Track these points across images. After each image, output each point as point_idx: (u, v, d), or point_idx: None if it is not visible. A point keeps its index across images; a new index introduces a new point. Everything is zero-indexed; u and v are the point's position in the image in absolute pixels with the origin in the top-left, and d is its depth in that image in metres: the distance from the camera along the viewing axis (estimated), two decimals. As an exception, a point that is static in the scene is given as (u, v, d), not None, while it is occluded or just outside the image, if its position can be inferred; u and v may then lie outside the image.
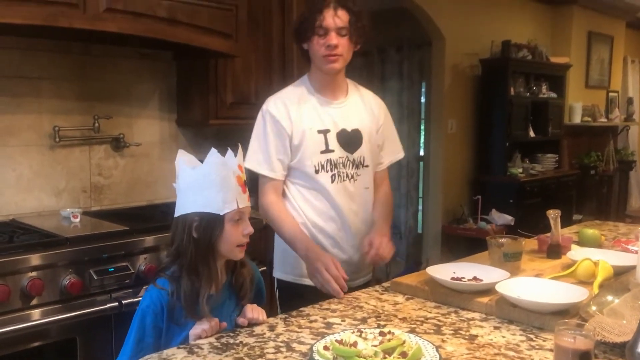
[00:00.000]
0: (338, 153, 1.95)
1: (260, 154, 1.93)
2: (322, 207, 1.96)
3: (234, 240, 1.40)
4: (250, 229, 1.42)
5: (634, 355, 0.87)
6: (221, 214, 1.37)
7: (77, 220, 2.52)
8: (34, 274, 2.04)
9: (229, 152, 1.45)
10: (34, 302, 2.05)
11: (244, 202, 1.41)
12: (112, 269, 2.24)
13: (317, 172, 1.94)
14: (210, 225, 1.37)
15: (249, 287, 1.49)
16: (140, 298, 2.17)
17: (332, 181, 1.95)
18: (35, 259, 2.05)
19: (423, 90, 5.96)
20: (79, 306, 2.14)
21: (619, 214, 6.80)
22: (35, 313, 2.05)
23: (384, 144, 2.10)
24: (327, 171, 1.95)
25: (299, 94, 1.98)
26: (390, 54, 6.07)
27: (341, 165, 1.96)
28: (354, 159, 1.98)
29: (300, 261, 1.89)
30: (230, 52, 2.74)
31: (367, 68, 6.23)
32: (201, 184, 1.38)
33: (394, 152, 2.15)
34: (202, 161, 1.42)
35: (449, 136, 5.39)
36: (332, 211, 1.96)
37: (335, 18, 1.85)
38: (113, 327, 2.22)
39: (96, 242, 2.24)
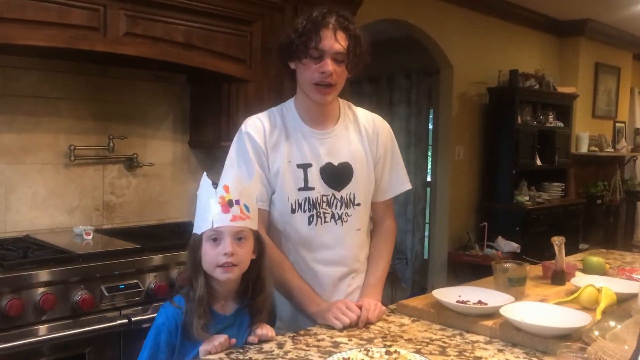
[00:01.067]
0: (320, 191, 1.72)
1: (240, 180, 1.63)
2: (291, 255, 1.75)
3: (212, 259, 1.39)
4: (228, 249, 1.37)
5: (632, 375, 0.90)
6: (198, 233, 1.42)
7: (90, 237, 2.57)
8: (46, 289, 2.09)
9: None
10: (45, 317, 2.09)
11: (222, 221, 1.38)
12: (123, 286, 2.28)
13: (293, 211, 1.72)
14: (194, 245, 1.43)
15: (264, 316, 1.49)
16: (149, 315, 2.25)
17: (310, 222, 1.72)
18: (48, 275, 2.09)
19: (431, 117, 6.02)
20: (89, 322, 2.18)
21: (625, 244, 6.78)
22: (46, 328, 2.09)
23: (386, 175, 1.85)
24: (305, 211, 1.71)
25: (281, 119, 1.75)
26: (398, 81, 6.16)
27: (324, 204, 1.72)
28: (341, 197, 1.74)
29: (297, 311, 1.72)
30: (244, 77, 2.81)
31: (375, 94, 6.33)
32: (197, 206, 1.46)
33: (399, 182, 1.88)
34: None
35: (456, 163, 5.43)
36: (300, 263, 1.75)
37: (333, 41, 1.62)
38: (122, 343, 2.25)
39: (108, 259, 2.28)
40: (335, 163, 1.74)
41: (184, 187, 3.18)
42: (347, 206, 1.75)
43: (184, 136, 3.19)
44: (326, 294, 1.73)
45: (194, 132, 3.19)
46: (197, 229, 1.44)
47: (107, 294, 2.23)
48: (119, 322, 2.23)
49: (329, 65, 1.62)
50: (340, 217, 1.74)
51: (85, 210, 2.83)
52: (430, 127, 6.02)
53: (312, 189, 1.71)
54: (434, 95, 5.80)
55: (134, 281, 2.32)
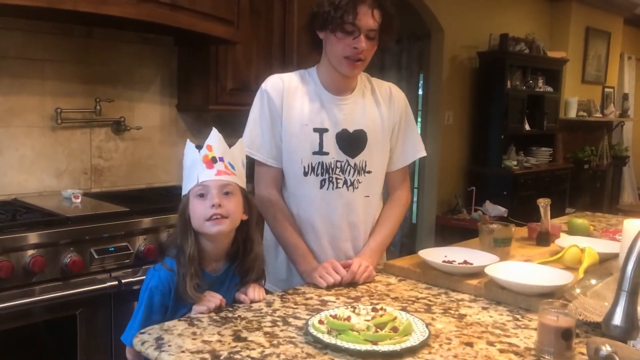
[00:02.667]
0: (335, 156, 1.74)
1: (258, 137, 1.74)
2: (301, 217, 1.78)
3: (201, 214, 1.40)
4: (215, 200, 1.39)
5: (609, 327, 0.93)
6: (185, 192, 1.44)
7: (78, 200, 2.57)
8: (35, 251, 2.09)
9: (212, 131, 1.49)
10: (35, 279, 2.10)
11: (207, 176, 1.41)
12: (112, 249, 2.29)
13: (305, 174, 1.74)
14: (183, 205, 1.45)
15: (254, 275, 1.50)
16: (139, 277, 2.26)
17: (322, 186, 1.75)
18: (37, 237, 2.09)
19: (421, 82, 6.00)
20: (80, 284, 2.19)
21: (611, 208, 6.87)
22: (37, 290, 2.10)
23: (400, 143, 1.85)
24: (317, 175, 1.74)
25: (302, 82, 1.77)
26: (389, 45, 6.11)
27: (338, 170, 1.74)
28: (355, 164, 1.76)
29: (292, 272, 1.78)
30: (231, 39, 2.78)
31: (365, 58, 6.28)
32: (183, 172, 1.48)
33: (414, 150, 1.88)
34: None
35: (445, 128, 5.44)
36: (312, 221, 1.77)
37: (370, 19, 1.63)
38: (112, 305, 2.27)
39: (97, 222, 2.29)
40: (351, 130, 1.76)
41: (172, 150, 3.17)
42: (359, 173, 1.77)
43: (172, 99, 3.16)
44: (327, 255, 1.77)
45: (182, 95, 3.17)
46: (185, 190, 1.46)
47: (96, 257, 2.24)
48: (109, 284, 2.24)
49: (363, 41, 1.64)
50: (352, 184, 1.77)
51: (73, 173, 2.82)
52: (420, 92, 6.01)
53: (327, 153, 1.74)
54: (425, 59, 5.76)
55: (124, 244, 2.33)
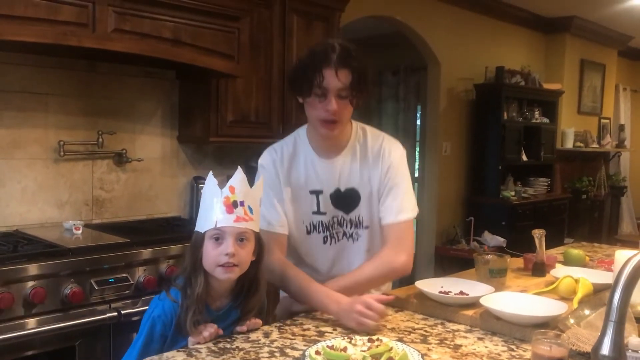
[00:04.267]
0: (332, 214, 1.79)
1: (267, 212, 1.74)
2: (305, 262, 1.83)
3: (213, 259, 1.42)
4: (230, 249, 1.39)
5: (598, 357, 0.95)
6: (201, 231, 1.45)
7: (79, 232, 2.59)
8: (36, 282, 2.11)
9: (237, 172, 1.51)
10: (36, 310, 2.11)
11: (226, 222, 1.41)
12: (112, 280, 2.31)
13: (308, 232, 1.80)
14: (196, 243, 1.46)
15: (254, 314, 1.52)
16: (139, 309, 2.28)
17: (325, 242, 1.81)
18: (37, 268, 2.12)
19: (419, 113, 6.07)
20: (79, 315, 2.20)
21: (610, 238, 6.87)
22: (36, 321, 2.11)
23: (384, 203, 1.79)
24: (319, 232, 1.80)
25: (294, 149, 1.81)
26: (387, 77, 6.22)
27: (336, 224, 1.80)
28: (350, 219, 1.80)
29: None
30: (232, 73, 2.84)
31: (364, 90, 6.36)
32: (200, 205, 1.50)
33: (397, 211, 1.76)
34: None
35: (443, 158, 5.49)
36: (315, 266, 1.82)
37: (336, 80, 1.62)
38: (111, 336, 2.28)
39: (97, 253, 2.31)
40: (342, 189, 1.79)
41: (173, 182, 3.21)
42: (356, 226, 1.81)
43: (173, 131, 3.21)
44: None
45: (183, 127, 3.22)
46: (200, 228, 1.46)
47: (96, 288, 2.26)
48: (108, 315, 2.26)
49: (333, 103, 1.64)
50: (351, 236, 1.81)
51: (75, 205, 2.85)
52: (418, 123, 6.08)
53: (324, 213, 1.78)
54: (422, 91, 5.85)
55: (124, 275, 2.35)
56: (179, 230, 2.83)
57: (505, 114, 5.61)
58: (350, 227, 1.80)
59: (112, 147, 2.94)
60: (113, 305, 2.31)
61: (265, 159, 1.82)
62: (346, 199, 1.79)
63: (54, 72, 2.74)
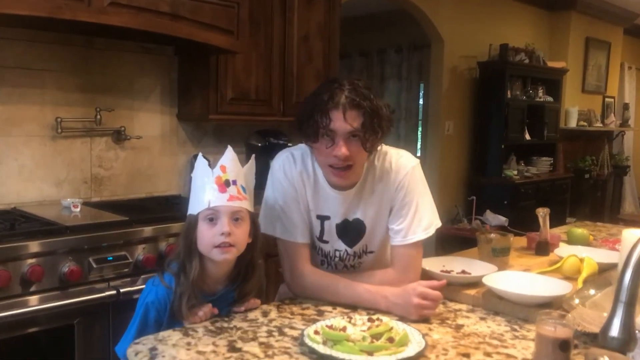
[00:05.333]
0: (334, 245, 1.68)
1: (291, 223, 1.63)
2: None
3: (209, 240, 1.38)
4: (225, 229, 1.36)
5: (606, 338, 0.92)
6: (194, 213, 1.41)
7: (78, 210, 2.57)
8: (34, 260, 2.08)
9: (227, 150, 1.47)
10: (34, 288, 2.09)
11: (219, 201, 1.37)
12: (111, 258, 2.28)
13: (314, 247, 1.71)
14: (189, 225, 1.42)
15: (251, 297, 1.49)
16: (138, 287, 2.25)
17: (322, 264, 1.72)
18: (35, 246, 2.09)
19: (421, 92, 6.01)
20: (78, 293, 2.18)
21: (612, 218, 6.85)
22: (35, 299, 2.09)
23: (393, 225, 1.65)
24: (318, 254, 1.72)
25: (309, 169, 1.65)
26: (389, 55, 6.14)
27: (337, 258, 1.70)
28: (354, 252, 1.69)
29: None
30: (231, 49, 2.79)
31: (366, 69, 6.31)
32: (191, 187, 1.46)
33: (404, 233, 1.62)
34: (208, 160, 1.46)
35: (446, 137, 5.45)
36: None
37: (344, 122, 1.48)
38: (110, 314, 2.26)
39: (96, 231, 2.28)
40: (350, 219, 1.66)
41: (172, 160, 3.18)
42: (359, 257, 1.71)
43: (172, 109, 3.17)
44: None
45: (182, 105, 3.17)
46: (193, 210, 1.43)
47: (95, 266, 2.23)
48: (107, 293, 2.24)
49: (342, 148, 1.50)
50: (353, 266, 1.72)
51: (73, 183, 2.82)
52: (421, 101, 6.02)
53: (327, 242, 1.69)
54: (425, 69, 5.78)
55: (123, 253, 2.32)
56: (178, 208, 2.79)
57: (508, 93, 5.55)
58: (353, 259, 1.70)
59: (110, 125, 2.89)
60: (112, 283, 2.29)
61: (286, 163, 1.65)
62: (352, 231, 1.66)
63: (50, 47, 2.68)
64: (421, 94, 6.01)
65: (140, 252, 2.38)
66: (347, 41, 4.12)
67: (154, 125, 3.10)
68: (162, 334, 1.30)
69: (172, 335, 1.29)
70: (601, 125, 7.20)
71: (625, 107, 7.81)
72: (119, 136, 2.93)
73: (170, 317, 1.39)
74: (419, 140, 6.02)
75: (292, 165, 1.64)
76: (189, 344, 1.25)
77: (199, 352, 1.20)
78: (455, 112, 5.50)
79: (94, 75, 2.84)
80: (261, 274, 1.51)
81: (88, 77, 2.82)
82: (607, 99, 7.47)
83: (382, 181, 1.63)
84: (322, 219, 1.66)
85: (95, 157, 2.88)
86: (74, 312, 2.17)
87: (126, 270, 2.32)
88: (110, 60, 2.89)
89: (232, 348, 1.23)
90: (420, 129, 6.05)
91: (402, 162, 1.65)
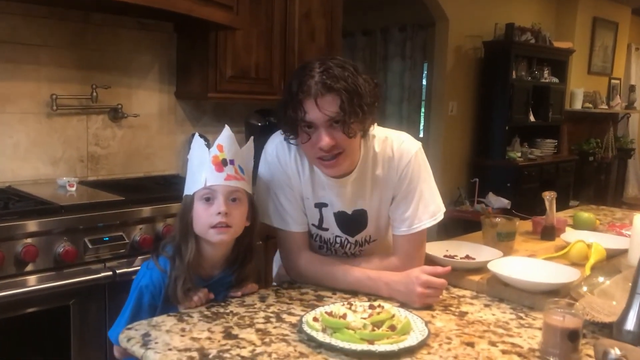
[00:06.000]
0: (334, 232, 1.60)
1: (285, 211, 1.55)
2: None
3: (205, 221, 1.32)
4: (222, 208, 1.30)
5: (621, 332, 0.87)
6: (190, 193, 1.37)
7: (73, 189, 2.52)
8: (28, 240, 2.04)
9: (224, 129, 1.41)
10: (28, 268, 2.05)
11: (216, 180, 1.33)
12: (107, 238, 2.24)
13: (311, 235, 1.63)
14: (185, 206, 1.37)
15: (248, 282, 1.45)
16: (134, 268, 2.21)
17: (320, 249, 1.65)
18: (30, 226, 2.04)
19: (425, 71, 5.93)
20: (73, 274, 2.14)
21: (615, 201, 6.81)
22: (29, 280, 2.05)
23: (396, 213, 1.56)
24: (315, 240, 1.64)
25: (303, 155, 1.54)
26: (393, 34, 6.03)
27: (337, 245, 1.62)
28: (356, 241, 1.61)
29: None
30: (231, 25, 2.72)
31: (369, 48, 6.20)
32: (188, 168, 1.41)
33: (410, 221, 1.53)
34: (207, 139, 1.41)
35: (449, 118, 5.38)
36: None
37: (318, 111, 1.36)
38: (107, 295, 2.22)
39: (92, 211, 2.23)
40: (349, 212, 1.56)
41: (170, 139, 3.12)
42: (361, 245, 1.63)
43: (171, 87, 3.10)
44: None
45: (181, 83, 3.10)
46: (189, 190, 1.38)
47: (91, 247, 2.19)
48: (103, 274, 2.19)
49: (325, 138, 1.38)
50: (353, 254, 1.64)
51: (69, 161, 2.76)
52: (425, 81, 5.93)
53: (326, 229, 1.60)
54: (429, 48, 5.68)
55: (119, 233, 2.28)
56: (176, 188, 2.73)
57: (514, 73, 5.47)
58: (355, 247, 1.62)
59: (107, 102, 2.83)
60: (108, 264, 2.24)
61: (279, 148, 1.55)
62: (352, 222, 1.58)
63: (45, 22, 2.61)
64: (425, 74, 5.92)
65: (137, 232, 2.34)
66: (350, 19, 4.04)
67: (152, 104, 3.03)
68: (156, 319, 1.26)
69: (166, 321, 1.25)
70: (606, 107, 7.12)
71: (631, 89, 7.72)
72: (115, 114, 2.87)
73: (165, 302, 1.34)
74: (422, 121, 5.94)
75: (285, 150, 1.54)
76: (183, 329, 1.21)
77: (194, 339, 1.16)
78: (459, 92, 5.43)
79: (90, 52, 2.77)
80: (260, 259, 1.47)
81: (84, 53, 2.75)
82: (613, 81, 7.38)
83: (384, 168, 1.53)
84: (320, 206, 1.57)
85: (92, 135, 2.83)
86: (70, 293, 2.13)
87: (122, 251, 2.28)
88: (107, 37, 2.82)
89: (228, 334, 1.19)
90: (423, 109, 5.97)
91: (404, 148, 1.54)
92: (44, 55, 2.62)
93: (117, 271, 2.22)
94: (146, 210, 2.36)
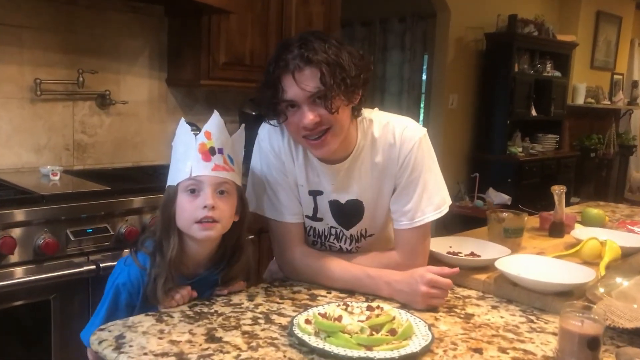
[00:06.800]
0: (329, 223, 1.48)
1: (278, 201, 1.44)
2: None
3: (190, 214, 1.20)
4: (209, 201, 1.19)
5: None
6: (174, 184, 1.25)
7: (57, 178, 2.40)
8: (5, 232, 1.92)
9: (213, 115, 1.30)
10: (5, 261, 1.94)
11: (203, 170, 1.21)
12: (91, 230, 2.13)
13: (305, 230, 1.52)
14: (168, 198, 1.25)
15: (236, 280, 1.33)
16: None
17: (314, 245, 1.54)
18: (7, 216, 1.93)
19: (425, 63, 5.80)
20: (54, 267, 2.03)
21: (616, 198, 6.71)
22: (6, 273, 1.94)
23: (397, 205, 1.44)
24: (309, 235, 1.52)
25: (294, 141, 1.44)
26: (392, 24, 5.90)
27: (332, 237, 1.50)
28: (351, 235, 1.50)
29: None
30: (225, 8, 2.60)
31: (368, 38, 6.07)
32: (172, 156, 1.29)
33: (411, 214, 1.41)
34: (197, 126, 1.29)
35: (449, 111, 5.26)
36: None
37: (296, 87, 1.26)
38: (90, 290, 2.11)
39: (74, 200, 2.12)
40: (343, 201, 1.45)
41: (161, 127, 3.00)
42: (357, 241, 1.51)
43: (162, 73, 2.98)
44: None
45: (172, 69, 2.98)
46: (172, 180, 1.26)
47: (73, 239, 2.07)
48: (86, 268, 2.08)
49: (308, 114, 1.27)
50: (349, 251, 1.52)
51: (54, 149, 2.64)
52: (424, 73, 5.81)
53: (321, 220, 1.48)
54: (429, 40, 5.56)
55: (103, 225, 2.16)
56: (166, 179, 2.61)
57: (516, 66, 5.35)
58: (350, 243, 1.51)
59: (94, 88, 2.71)
60: (91, 257, 2.13)
61: (272, 136, 1.44)
62: (347, 213, 1.47)
63: (29, 2, 2.48)
64: (425, 66, 5.80)
65: (122, 224, 2.22)
66: (349, 9, 3.91)
67: (142, 90, 2.91)
68: (132, 319, 1.14)
69: (144, 321, 1.13)
70: (609, 102, 7.01)
71: (634, 84, 7.61)
72: (103, 101, 2.75)
73: (144, 301, 1.22)
74: (422, 113, 5.82)
75: (279, 135, 1.43)
76: (162, 331, 1.09)
77: (173, 342, 1.05)
78: (460, 85, 5.31)
79: (77, 35, 2.64)
80: (249, 257, 1.34)
81: (70, 35, 2.62)
82: (615, 76, 7.27)
83: (384, 155, 1.41)
84: (315, 194, 1.45)
85: (78, 122, 2.71)
86: (50, 288, 2.02)
87: (107, 243, 2.16)
88: (95, 19, 2.69)
89: (211, 338, 1.07)
90: (423, 102, 5.85)
91: (407, 134, 1.42)
92: (27, 37, 2.50)
93: (101, 265, 2.11)
94: (133, 201, 2.24)
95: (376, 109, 1.47)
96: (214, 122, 1.27)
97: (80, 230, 2.10)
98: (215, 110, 1.33)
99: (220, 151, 1.25)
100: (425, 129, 1.48)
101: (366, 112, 1.44)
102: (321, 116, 1.28)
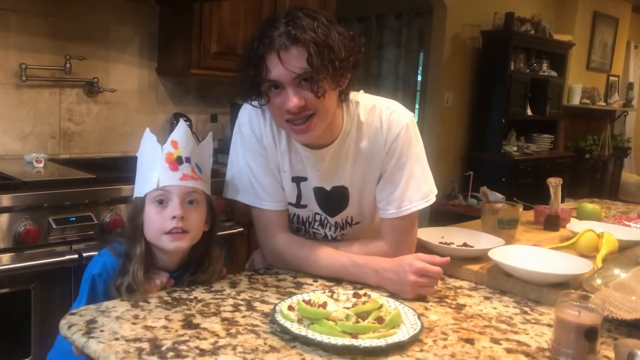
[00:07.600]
0: (312, 209, 1.42)
1: (259, 187, 1.37)
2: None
3: (158, 225, 1.16)
4: (177, 211, 1.15)
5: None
6: (141, 195, 1.19)
7: (41, 165, 2.34)
8: (-16, 218, 1.87)
9: (179, 124, 1.24)
10: (-17, 248, 1.88)
11: (170, 180, 1.17)
12: (74, 219, 2.07)
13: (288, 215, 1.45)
14: (135, 210, 1.20)
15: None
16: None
17: (298, 232, 1.48)
18: (-14, 202, 1.87)
19: (421, 60, 5.76)
20: (35, 256, 1.97)
21: (610, 200, 6.67)
22: (-15, 261, 1.88)
23: (383, 193, 1.39)
24: (293, 222, 1.46)
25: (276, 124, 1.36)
26: (389, 21, 5.86)
27: (317, 224, 1.44)
28: (336, 222, 1.44)
29: None
30: (216, -5, 2.54)
31: (364, 35, 6.03)
32: (138, 167, 1.24)
33: (398, 202, 1.36)
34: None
35: (444, 109, 5.22)
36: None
37: (281, 67, 1.17)
38: (72, 280, 2.05)
39: (57, 188, 2.06)
40: (328, 188, 1.39)
41: (150, 118, 2.94)
42: (342, 228, 1.45)
43: (152, 62, 2.92)
44: None
45: (163, 58, 2.92)
46: (139, 191, 1.20)
47: (55, 227, 2.02)
48: (68, 257, 2.02)
49: (292, 98, 1.19)
50: (334, 238, 1.46)
51: (39, 137, 2.58)
52: (420, 71, 5.77)
53: (304, 206, 1.42)
54: (426, 37, 5.52)
55: (87, 214, 2.11)
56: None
57: (512, 65, 5.31)
58: (335, 231, 1.45)
59: (82, 75, 2.65)
60: (74, 246, 2.07)
61: (253, 118, 1.37)
62: (332, 200, 1.41)
63: (15, -15, 2.43)
64: (420, 63, 5.76)
65: (107, 213, 2.17)
66: (345, 5, 3.86)
67: (131, 79, 2.85)
68: (106, 304, 1.09)
69: (118, 306, 1.08)
70: (604, 104, 6.99)
71: (630, 87, 7.59)
72: (91, 88, 2.69)
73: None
74: (417, 111, 5.78)
75: (260, 118, 1.35)
76: (136, 316, 1.04)
77: (147, 327, 0.99)
78: (456, 83, 5.26)
79: (65, 19, 2.58)
80: (218, 269, 1.27)
81: (58, 20, 2.56)
82: (611, 78, 7.25)
83: (370, 140, 1.35)
84: (298, 180, 1.39)
85: (65, 109, 2.64)
86: (30, 277, 1.96)
87: (91, 232, 2.11)
88: (84, 4, 2.64)
89: (188, 324, 1.02)
90: (418, 99, 5.80)
91: (394, 118, 1.35)
92: (13, 20, 2.44)
93: (84, 254, 2.05)
94: (118, 190, 2.19)
95: (361, 91, 1.41)
96: (181, 131, 1.21)
97: (63, 218, 2.05)
98: (181, 119, 1.28)
99: (188, 160, 1.20)
100: (412, 114, 1.41)
101: (351, 95, 1.36)
102: (306, 100, 1.21)
